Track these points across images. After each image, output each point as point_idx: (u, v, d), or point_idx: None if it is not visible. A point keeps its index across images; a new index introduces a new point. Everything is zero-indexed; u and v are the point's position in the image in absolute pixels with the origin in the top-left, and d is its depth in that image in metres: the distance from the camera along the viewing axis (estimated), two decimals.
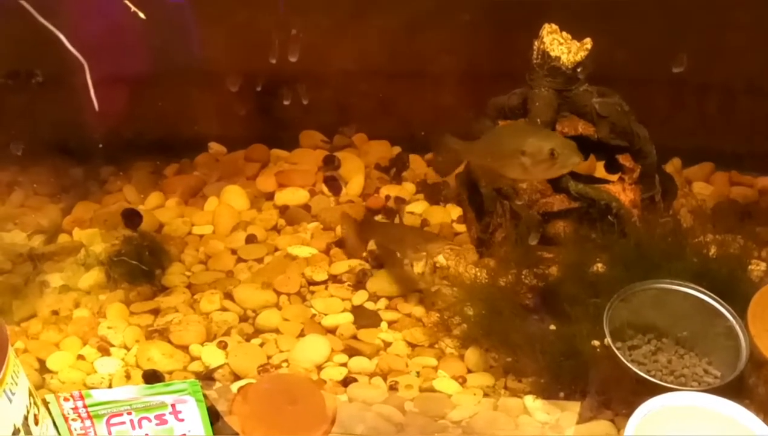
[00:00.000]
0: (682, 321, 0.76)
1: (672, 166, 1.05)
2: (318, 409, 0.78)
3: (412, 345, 0.85)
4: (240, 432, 0.75)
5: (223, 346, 0.83)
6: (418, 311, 0.88)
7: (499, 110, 0.89)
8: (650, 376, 0.71)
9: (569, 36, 0.87)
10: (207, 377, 0.79)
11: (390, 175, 1.05)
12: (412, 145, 1.08)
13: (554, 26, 0.86)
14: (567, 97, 0.86)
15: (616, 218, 0.90)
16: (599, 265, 0.85)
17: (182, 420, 0.67)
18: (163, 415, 0.67)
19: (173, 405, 0.66)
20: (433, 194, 1.03)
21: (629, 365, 0.71)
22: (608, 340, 0.73)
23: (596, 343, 0.77)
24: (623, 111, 0.86)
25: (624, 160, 0.92)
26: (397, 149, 1.08)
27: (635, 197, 0.92)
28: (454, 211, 1.00)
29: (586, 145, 0.88)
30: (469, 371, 0.83)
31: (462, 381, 0.81)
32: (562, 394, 0.78)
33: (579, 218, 0.91)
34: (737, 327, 0.74)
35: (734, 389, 0.71)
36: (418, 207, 1.00)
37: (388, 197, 1.02)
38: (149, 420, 0.67)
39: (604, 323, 0.73)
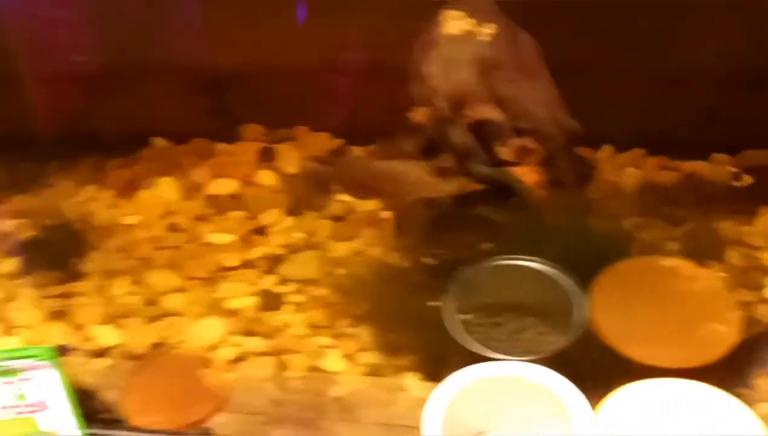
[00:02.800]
0: (530, 294, 0.78)
1: (604, 152, 1.07)
2: (206, 387, 0.83)
3: (312, 326, 0.90)
4: (128, 410, 0.81)
5: (120, 326, 0.88)
6: (326, 293, 0.92)
7: None
8: (491, 348, 0.74)
9: (474, 21, 0.90)
10: (65, 349, 0.84)
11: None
12: (356, 138, 1.12)
13: (458, 12, 0.90)
14: None
15: (521, 199, 0.92)
16: (490, 245, 0.87)
17: (37, 387, 0.72)
18: (16, 381, 0.72)
19: (27, 370, 0.72)
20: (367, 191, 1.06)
21: (460, 336, 0.74)
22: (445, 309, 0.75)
23: (462, 317, 0.80)
24: None
25: (528, 142, 0.94)
26: (339, 142, 1.11)
27: (540, 179, 0.94)
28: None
29: (488, 128, 0.91)
30: (362, 350, 0.86)
31: (351, 360, 0.84)
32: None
33: (484, 200, 0.93)
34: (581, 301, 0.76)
35: (566, 360, 0.73)
36: (347, 196, 1.04)
37: None
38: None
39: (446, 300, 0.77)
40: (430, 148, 0.97)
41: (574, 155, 0.99)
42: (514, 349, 0.77)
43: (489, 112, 0.93)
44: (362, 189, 1.06)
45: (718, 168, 1.09)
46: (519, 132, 0.95)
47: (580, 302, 0.79)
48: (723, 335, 0.78)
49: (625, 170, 1.09)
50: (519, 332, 0.81)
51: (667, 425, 0.68)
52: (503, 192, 0.94)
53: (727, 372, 0.78)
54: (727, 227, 1.01)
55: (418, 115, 0.96)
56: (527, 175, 0.95)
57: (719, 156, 1.09)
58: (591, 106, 0.94)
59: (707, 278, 0.84)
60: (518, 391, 0.69)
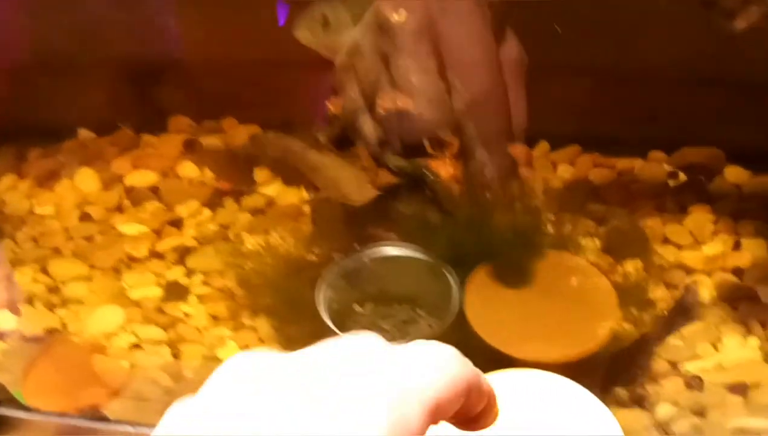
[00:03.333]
0: (422, 288, 0.77)
1: (539, 149, 1.05)
2: (100, 373, 0.82)
3: (214, 318, 0.88)
4: (23, 392, 0.81)
5: (17, 312, 0.87)
6: (231, 285, 0.90)
7: None
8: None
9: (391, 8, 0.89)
10: None
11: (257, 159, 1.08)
12: (285, 130, 1.10)
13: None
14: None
15: (432, 192, 0.90)
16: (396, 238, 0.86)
17: None
18: None
19: None
20: (294, 178, 1.04)
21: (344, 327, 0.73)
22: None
23: (358, 309, 0.78)
24: None
25: (443, 134, 0.92)
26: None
27: (455, 172, 0.92)
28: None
29: (402, 120, 0.90)
30: (260, 342, 0.84)
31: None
32: None
33: (398, 194, 0.92)
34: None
35: None
36: (272, 189, 1.03)
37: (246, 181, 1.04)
38: None
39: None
40: (345, 140, 0.96)
41: (498, 150, 0.97)
42: (399, 340, 0.75)
43: (401, 103, 0.92)
44: (287, 173, 1.05)
45: (653, 166, 1.07)
46: (434, 125, 0.93)
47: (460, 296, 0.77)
48: (594, 334, 0.76)
49: (557, 167, 1.07)
50: (409, 324, 0.78)
51: (516, 417, 0.65)
52: (417, 185, 0.92)
53: (600, 370, 0.76)
54: (654, 225, 0.99)
55: (333, 105, 0.95)
56: (442, 168, 0.93)
57: (656, 154, 1.08)
58: (528, 102, 0.94)
59: (595, 276, 0.82)
60: None
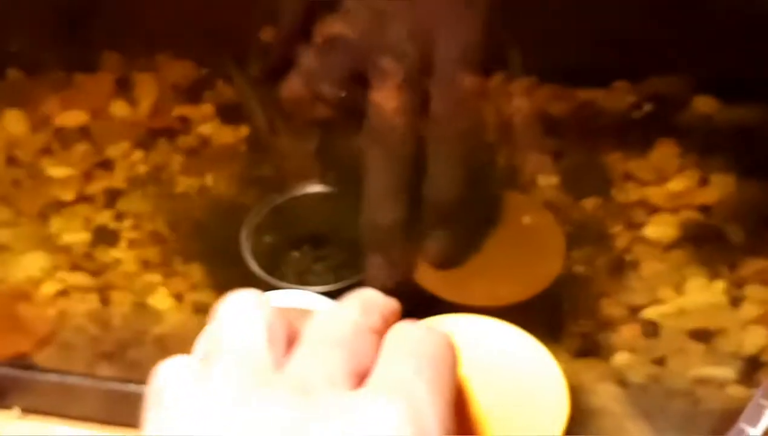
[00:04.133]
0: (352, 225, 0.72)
1: (494, 80, 0.99)
2: (25, 321, 0.78)
3: (144, 263, 0.83)
4: None
5: None
6: (162, 229, 0.85)
7: None
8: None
9: None
10: None
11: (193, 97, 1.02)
12: (221, 66, 1.04)
13: None
14: None
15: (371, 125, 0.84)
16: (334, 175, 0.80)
17: None
18: None
19: None
20: (233, 116, 0.98)
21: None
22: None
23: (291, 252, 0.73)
24: None
25: (386, 63, 0.86)
26: (204, 70, 1.03)
27: (398, 104, 0.86)
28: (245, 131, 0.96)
29: (341, 47, 0.83)
30: (192, 289, 0.80)
31: (178, 298, 0.78)
32: None
33: (337, 128, 0.86)
34: None
35: None
36: (208, 127, 0.97)
37: (180, 118, 0.98)
38: None
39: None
40: (278, 71, 0.89)
41: (444, 81, 0.91)
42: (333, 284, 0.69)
43: (340, 28, 0.85)
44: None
45: (616, 97, 1.01)
46: (378, 51, 0.87)
47: None
48: (540, 276, 0.71)
49: (512, 100, 1.00)
50: (344, 268, 0.73)
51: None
52: (357, 118, 0.86)
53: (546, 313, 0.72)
54: (616, 160, 0.94)
55: (267, 34, 0.88)
56: (384, 99, 0.87)
57: (620, 84, 1.01)
58: (483, 29, 0.87)
59: (543, 216, 0.77)
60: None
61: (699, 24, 0.99)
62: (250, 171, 0.91)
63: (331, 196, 0.77)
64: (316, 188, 0.77)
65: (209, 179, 0.94)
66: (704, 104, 1.00)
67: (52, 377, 0.78)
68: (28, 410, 0.79)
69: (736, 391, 0.75)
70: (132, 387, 0.76)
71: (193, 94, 1.05)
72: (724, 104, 1.00)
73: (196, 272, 0.84)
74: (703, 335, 0.79)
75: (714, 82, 1.00)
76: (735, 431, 0.62)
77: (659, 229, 0.87)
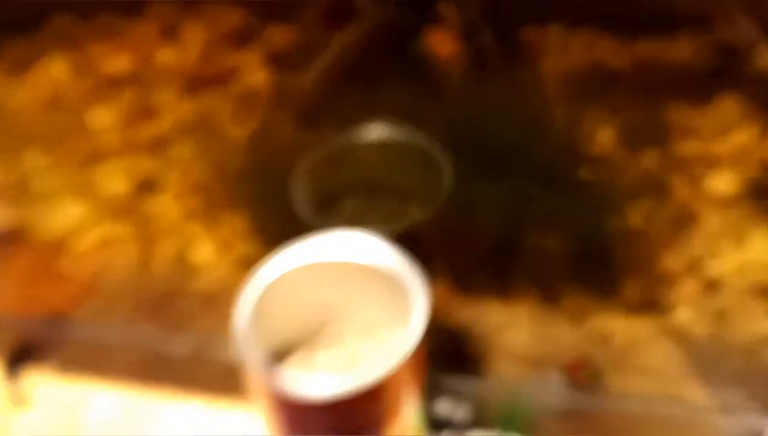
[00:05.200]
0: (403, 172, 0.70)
1: (550, 31, 0.96)
2: (64, 273, 0.77)
3: (188, 213, 0.82)
4: None
5: None
6: (209, 178, 0.84)
7: None
8: None
9: None
10: None
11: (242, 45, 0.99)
12: (274, 14, 1.02)
13: None
14: None
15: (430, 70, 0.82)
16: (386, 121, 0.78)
17: None
18: None
19: None
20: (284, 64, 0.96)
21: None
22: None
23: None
24: None
25: (444, 6, 0.84)
26: (254, 18, 1.01)
27: (455, 49, 0.84)
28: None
29: None
30: (238, 239, 0.78)
31: (223, 250, 0.76)
32: None
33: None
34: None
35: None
36: (258, 76, 0.95)
37: (229, 66, 0.96)
38: None
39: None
40: (339, 14, 0.87)
41: (505, 29, 0.88)
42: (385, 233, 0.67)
43: None
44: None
45: (677, 48, 0.96)
46: None
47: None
48: None
49: (570, 52, 0.97)
50: (396, 216, 0.71)
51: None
52: (415, 63, 0.84)
53: None
54: (675, 114, 0.90)
55: None
56: (440, 44, 0.84)
57: (681, 34, 0.97)
58: None
59: None
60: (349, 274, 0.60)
61: None
62: (303, 120, 0.88)
63: (383, 142, 0.75)
64: (373, 135, 0.75)
65: (259, 128, 0.92)
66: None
67: (90, 333, 0.77)
68: (65, 367, 0.77)
69: None
70: (173, 344, 0.75)
71: (242, 41, 1.03)
72: None
73: (241, 222, 0.82)
74: (764, 291, 0.76)
75: None
76: None
77: (720, 183, 0.84)
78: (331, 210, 0.72)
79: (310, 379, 0.59)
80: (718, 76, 0.95)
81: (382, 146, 0.74)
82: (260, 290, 0.57)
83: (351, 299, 0.61)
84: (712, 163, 0.87)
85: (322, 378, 0.59)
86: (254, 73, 1.00)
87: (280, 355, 0.61)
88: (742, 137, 0.89)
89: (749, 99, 0.92)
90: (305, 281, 0.59)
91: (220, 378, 0.73)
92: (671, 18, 0.99)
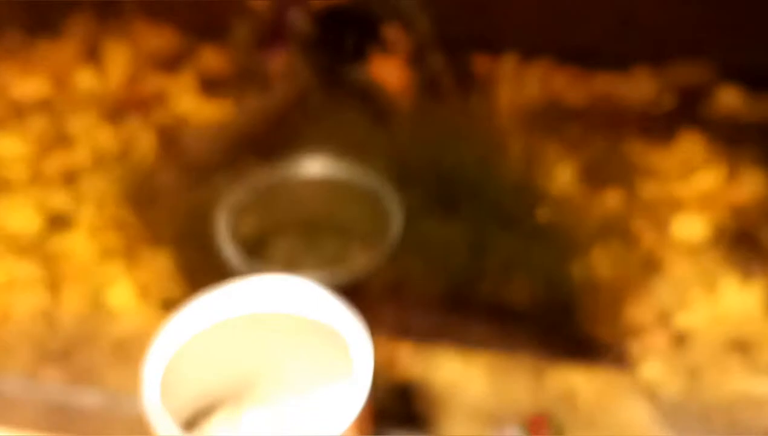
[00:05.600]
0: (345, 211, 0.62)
1: (506, 59, 0.90)
2: None
3: (104, 252, 0.72)
4: None
5: None
6: (128, 214, 0.74)
7: None
8: None
9: None
10: None
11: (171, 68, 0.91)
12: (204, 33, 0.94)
13: None
14: None
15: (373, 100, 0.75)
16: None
17: None
18: None
19: None
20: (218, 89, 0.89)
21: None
22: None
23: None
24: None
25: (392, 32, 0.77)
26: (182, 39, 0.93)
27: (404, 77, 0.77)
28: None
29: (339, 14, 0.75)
30: (159, 280, 0.70)
31: (142, 292, 0.67)
32: None
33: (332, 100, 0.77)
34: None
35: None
36: (187, 102, 0.87)
37: (155, 91, 0.88)
38: None
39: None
40: (269, 39, 0.80)
41: (457, 56, 0.82)
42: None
43: None
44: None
45: (637, 84, 0.92)
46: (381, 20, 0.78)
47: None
48: None
49: (525, 83, 0.91)
50: (337, 261, 0.63)
51: None
52: (357, 91, 0.77)
53: None
54: (638, 151, 0.84)
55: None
56: (388, 72, 0.78)
57: (640, 70, 0.92)
58: (495, 4, 0.82)
59: None
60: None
61: (726, 6, 0.91)
62: (232, 150, 0.80)
63: (322, 176, 0.67)
64: (310, 169, 0.67)
65: (185, 158, 0.84)
66: (731, 94, 0.92)
67: None
68: None
69: None
70: (80, 395, 0.66)
71: (171, 64, 0.94)
72: (752, 94, 0.91)
73: (162, 261, 0.74)
74: (739, 345, 0.70)
75: (742, 70, 0.92)
76: None
77: (687, 228, 0.79)
78: (263, 252, 0.63)
79: None
80: (679, 114, 0.90)
81: (320, 182, 0.66)
82: (173, 346, 0.48)
83: (283, 353, 0.53)
84: (677, 206, 0.81)
85: None
86: (183, 98, 0.92)
87: (203, 414, 0.52)
88: (707, 179, 0.83)
89: (713, 139, 0.87)
90: (228, 334, 0.51)
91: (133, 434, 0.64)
92: (629, 52, 0.94)
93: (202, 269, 0.70)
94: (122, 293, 0.73)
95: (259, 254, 0.64)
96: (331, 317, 0.49)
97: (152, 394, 0.46)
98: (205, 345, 0.50)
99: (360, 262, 0.64)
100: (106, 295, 0.73)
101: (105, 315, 0.71)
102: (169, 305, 0.71)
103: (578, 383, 0.69)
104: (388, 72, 0.78)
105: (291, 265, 0.63)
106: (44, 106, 0.91)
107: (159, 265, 0.74)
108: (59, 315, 0.72)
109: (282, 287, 0.51)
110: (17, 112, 0.91)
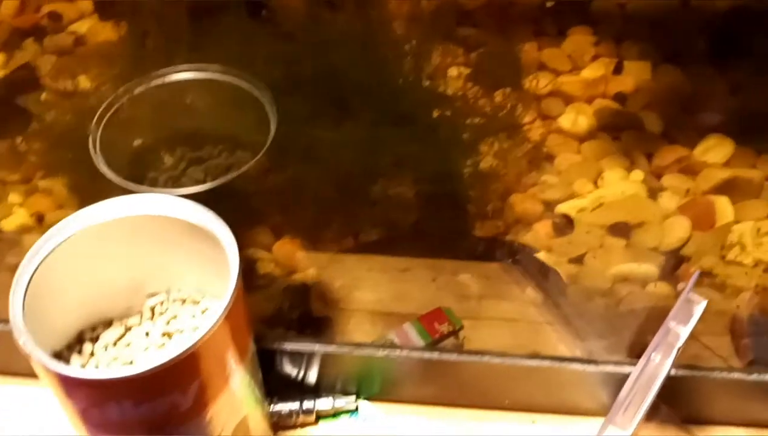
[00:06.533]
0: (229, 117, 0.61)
1: None
2: None
3: (1, 183, 0.71)
4: None
5: None
6: (25, 142, 0.74)
7: None
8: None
9: None
10: None
11: None
12: None
13: None
14: None
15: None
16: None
17: None
18: None
19: None
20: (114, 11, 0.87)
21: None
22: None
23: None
24: None
25: None
26: None
27: None
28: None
29: None
30: (59, 206, 0.69)
31: (40, 219, 0.67)
32: None
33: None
34: None
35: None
36: (83, 25, 0.85)
37: (49, 14, 0.86)
38: None
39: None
40: None
41: None
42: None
43: None
44: None
45: None
46: None
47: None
48: None
49: None
50: (224, 168, 0.63)
51: None
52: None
53: None
54: (530, 50, 0.85)
55: None
56: None
57: None
58: None
59: None
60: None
61: None
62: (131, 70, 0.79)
63: (201, 82, 0.64)
64: (184, 73, 0.64)
65: (83, 81, 0.82)
66: None
67: None
68: None
69: (660, 288, 0.68)
70: None
71: None
72: None
73: (60, 187, 0.73)
74: (622, 229, 0.72)
75: None
76: (663, 330, 0.56)
77: (574, 119, 0.80)
78: (148, 165, 0.62)
79: (115, 356, 0.52)
80: (570, 12, 0.91)
81: (205, 89, 0.64)
82: (38, 260, 0.48)
83: (165, 265, 0.53)
84: (565, 100, 0.83)
85: (130, 354, 0.52)
86: (80, 21, 0.91)
87: (91, 328, 0.53)
88: (595, 73, 0.85)
89: (602, 34, 0.88)
90: (99, 243, 0.50)
91: None
92: None
93: (89, 193, 0.69)
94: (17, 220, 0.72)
95: (145, 168, 0.62)
96: (208, 228, 0.49)
97: (16, 312, 0.45)
98: (75, 255, 0.49)
99: (247, 168, 0.61)
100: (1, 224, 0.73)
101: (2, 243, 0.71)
102: None
103: (471, 276, 0.71)
104: None
105: (175, 176, 0.62)
106: None
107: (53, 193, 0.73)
108: None
109: (162, 203, 0.51)
110: None
